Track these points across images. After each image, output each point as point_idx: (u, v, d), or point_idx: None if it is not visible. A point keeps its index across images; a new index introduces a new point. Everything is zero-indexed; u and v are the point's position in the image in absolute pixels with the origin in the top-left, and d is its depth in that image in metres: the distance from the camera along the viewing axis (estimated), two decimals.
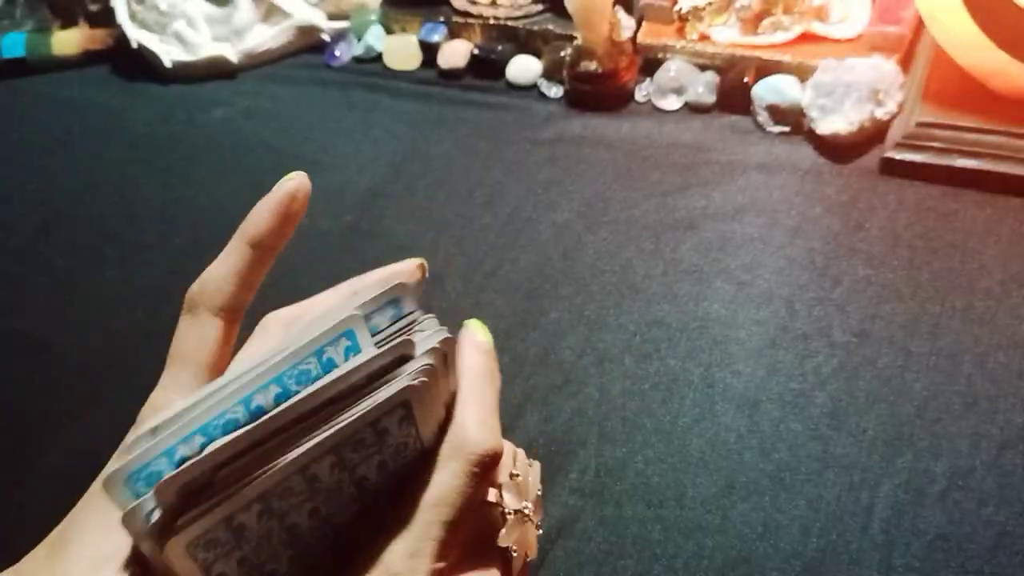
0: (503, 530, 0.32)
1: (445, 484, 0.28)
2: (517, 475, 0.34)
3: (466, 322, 0.31)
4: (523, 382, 0.52)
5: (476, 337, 0.31)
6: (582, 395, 0.51)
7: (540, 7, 0.77)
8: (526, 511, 0.33)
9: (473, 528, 0.31)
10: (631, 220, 0.62)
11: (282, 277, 0.68)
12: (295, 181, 0.34)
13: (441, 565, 0.29)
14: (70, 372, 0.58)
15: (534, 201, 0.65)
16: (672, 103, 0.70)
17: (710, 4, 0.70)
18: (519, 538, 0.33)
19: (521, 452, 0.35)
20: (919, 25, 0.66)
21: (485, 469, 0.29)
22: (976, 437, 0.47)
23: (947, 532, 0.43)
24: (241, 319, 0.32)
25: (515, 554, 0.33)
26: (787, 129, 0.66)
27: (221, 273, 0.32)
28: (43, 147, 0.78)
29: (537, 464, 0.36)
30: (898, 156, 0.61)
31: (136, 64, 0.81)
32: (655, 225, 0.61)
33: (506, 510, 0.33)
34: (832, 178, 0.62)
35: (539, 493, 0.36)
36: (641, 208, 0.63)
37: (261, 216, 0.33)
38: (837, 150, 0.64)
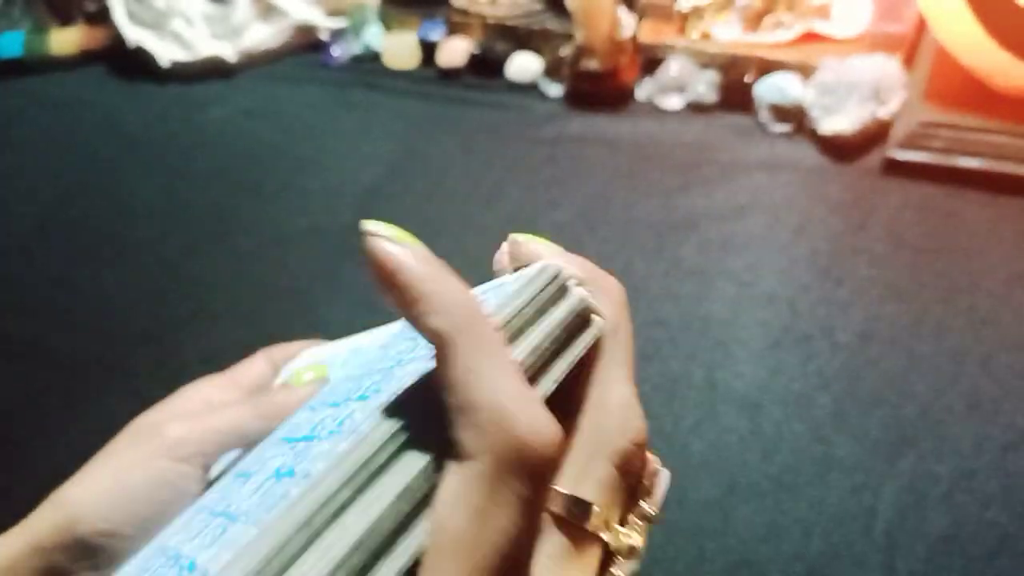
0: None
1: (505, 523, 0.17)
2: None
3: (371, 228, 0.20)
4: None
5: (416, 253, 0.20)
6: None
7: (540, 5, 0.77)
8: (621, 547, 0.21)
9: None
10: (632, 220, 0.62)
11: (281, 276, 0.68)
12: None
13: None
14: (66, 372, 0.58)
15: (534, 201, 0.64)
16: (673, 102, 0.70)
17: (711, 2, 0.70)
18: None
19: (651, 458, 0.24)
20: (921, 24, 0.66)
21: (551, 474, 0.19)
22: (979, 439, 0.46)
23: (950, 534, 0.43)
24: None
25: None
26: (789, 128, 0.66)
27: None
28: (40, 146, 0.78)
29: (665, 474, 0.24)
30: (900, 156, 0.61)
31: (134, 63, 0.81)
32: (656, 225, 0.61)
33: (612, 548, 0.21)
34: (834, 177, 0.62)
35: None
36: (642, 208, 0.62)
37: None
38: (839, 149, 0.63)
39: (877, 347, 0.51)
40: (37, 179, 0.74)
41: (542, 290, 0.21)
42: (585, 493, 0.20)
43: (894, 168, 0.61)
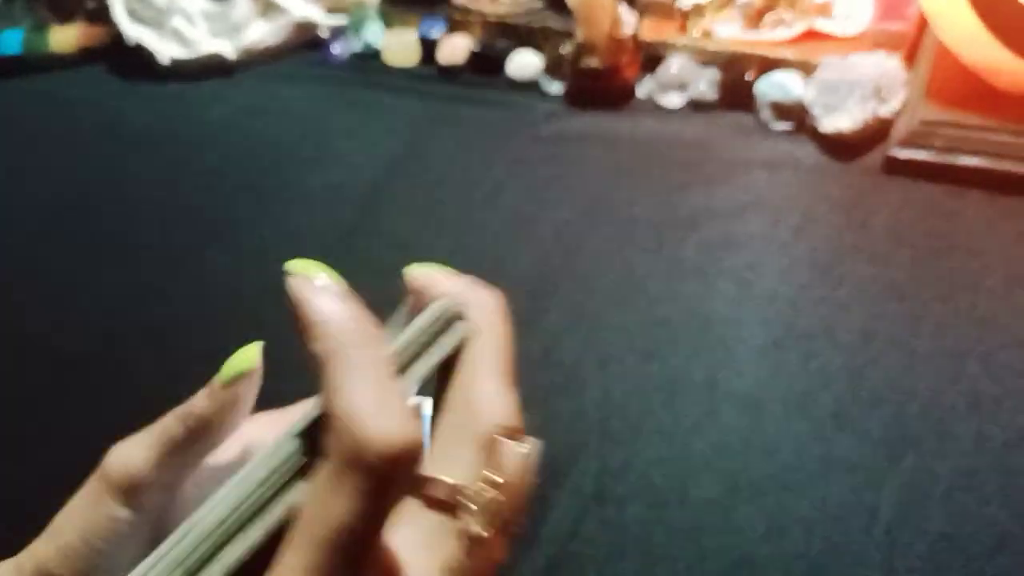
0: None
1: (342, 512, 0.20)
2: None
3: (286, 265, 0.25)
4: (524, 383, 0.52)
5: (312, 280, 0.24)
6: (583, 396, 0.51)
7: (540, 3, 0.77)
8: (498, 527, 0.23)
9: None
10: (633, 218, 0.62)
11: (281, 275, 0.68)
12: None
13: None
14: (68, 372, 0.58)
15: (535, 199, 0.64)
16: (674, 100, 0.70)
17: (712, 0, 0.69)
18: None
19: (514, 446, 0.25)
20: (923, 22, 0.65)
21: (400, 474, 0.21)
22: (980, 437, 0.47)
23: (951, 532, 0.43)
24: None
25: None
26: (790, 127, 0.66)
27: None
28: (40, 144, 0.78)
29: (526, 444, 0.25)
30: (902, 154, 0.61)
31: (134, 61, 0.81)
32: (657, 224, 0.61)
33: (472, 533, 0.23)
34: (835, 176, 0.62)
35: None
36: (643, 206, 0.62)
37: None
38: (840, 148, 0.63)
39: (878, 346, 0.51)
40: (36, 176, 0.74)
41: (423, 314, 0.25)
42: (445, 474, 0.23)
43: (895, 166, 0.61)
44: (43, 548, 0.27)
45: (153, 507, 0.27)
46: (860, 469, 0.46)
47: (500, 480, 0.24)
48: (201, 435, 0.28)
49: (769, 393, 0.50)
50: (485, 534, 0.23)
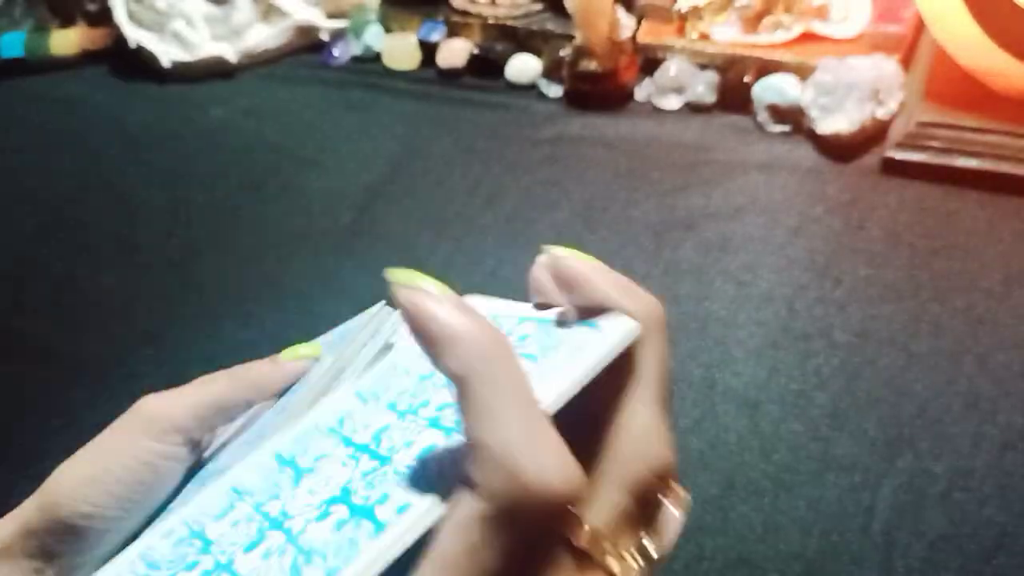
0: None
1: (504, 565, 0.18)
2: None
3: (408, 281, 0.20)
4: None
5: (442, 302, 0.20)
6: None
7: (540, 6, 0.77)
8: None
9: None
10: (631, 220, 0.62)
11: (282, 277, 0.68)
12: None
13: None
14: (68, 373, 0.58)
15: (534, 201, 0.65)
16: (672, 103, 0.70)
17: (710, 3, 0.70)
18: None
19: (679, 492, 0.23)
20: (919, 24, 0.66)
21: (565, 518, 0.19)
22: (977, 437, 0.47)
23: (948, 533, 0.43)
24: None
25: None
26: (787, 129, 0.66)
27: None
28: (41, 147, 0.78)
29: (675, 516, 0.22)
30: (899, 156, 0.61)
31: (134, 64, 0.81)
32: (655, 225, 0.61)
33: None
34: (833, 178, 0.62)
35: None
36: (641, 208, 0.62)
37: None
38: (838, 150, 0.63)
39: (875, 346, 0.51)
40: (38, 179, 0.75)
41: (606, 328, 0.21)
42: (596, 520, 0.20)
43: (892, 168, 0.61)
44: (58, 477, 0.28)
45: (182, 456, 0.29)
46: (857, 469, 0.46)
47: (655, 555, 0.21)
48: (246, 396, 0.30)
49: (766, 393, 0.50)
50: None
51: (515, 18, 0.76)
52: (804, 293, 0.55)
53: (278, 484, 0.23)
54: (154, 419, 0.29)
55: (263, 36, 0.81)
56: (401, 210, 0.66)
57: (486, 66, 0.76)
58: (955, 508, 0.44)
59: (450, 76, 0.77)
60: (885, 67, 0.63)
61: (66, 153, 0.76)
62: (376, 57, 0.80)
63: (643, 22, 0.73)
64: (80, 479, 0.28)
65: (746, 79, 0.67)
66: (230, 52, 0.80)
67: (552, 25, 0.75)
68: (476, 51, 0.76)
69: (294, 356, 0.31)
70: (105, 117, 0.79)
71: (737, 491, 0.46)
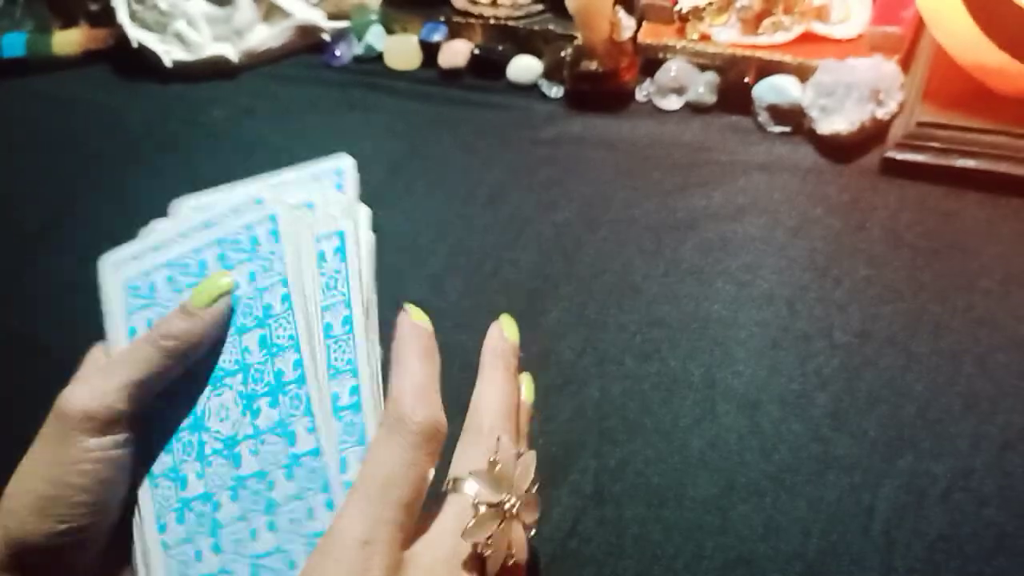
0: (469, 523, 0.30)
1: (390, 460, 0.29)
2: (497, 463, 0.31)
3: (405, 304, 0.34)
4: None
5: (411, 318, 0.33)
6: (582, 395, 0.51)
7: (540, 7, 0.77)
8: (507, 506, 0.31)
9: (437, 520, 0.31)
10: (631, 220, 0.62)
11: None
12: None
13: (400, 556, 0.28)
14: (68, 374, 0.58)
15: (534, 201, 0.65)
16: (673, 103, 0.70)
17: (710, 4, 0.70)
18: (496, 536, 0.30)
19: (505, 439, 0.33)
20: (920, 25, 0.66)
21: (427, 442, 0.30)
22: (977, 438, 0.47)
23: (948, 533, 0.43)
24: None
25: (488, 553, 0.30)
26: (788, 129, 0.66)
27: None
28: (42, 147, 0.78)
29: (530, 454, 0.34)
30: (899, 156, 0.61)
31: (136, 64, 0.81)
32: (656, 225, 0.61)
33: (477, 502, 0.30)
34: (833, 178, 0.62)
35: (534, 489, 0.33)
36: (641, 208, 0.63)
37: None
38: (838, 150, 0.63)
39: (875, 347, 0.51)
40: (39, 178, 0.75)
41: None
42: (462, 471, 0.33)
43: (892, 168, 0.61)
44: (8, 504, 0.28)
45: (132, 438, 0.30)
46: (857, 469, 0.46)
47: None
48: (176, 364, 0.31)
49: (766, 393, 0.50)
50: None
51: (516, 19, 0.76)
52: (804, 293, 0.55)
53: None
54: (88, 415, 0.28)
55: (265, 36, 0.81)
56: (401, 210, 0.66)
57: (487, 66, 0.76)
58: (955, 508, 0.44)
59: (451, 76, 0.77)
60: (885, 68, 0.63)
61: (67, 153, 0.77)
62: (377, 57, 0.80)
63: (644, 23, 0.73)
64: (36, 501, 0.27)
65: (746, 80, 0.67)
66: (232, 52, 0.80)
67: (553, 26, 0.75)
68: (477, 52, 0.76)
69: (209, 300, 0.32)
70: (106, 117, 0.79)
71: (737, 491, 0.46)
